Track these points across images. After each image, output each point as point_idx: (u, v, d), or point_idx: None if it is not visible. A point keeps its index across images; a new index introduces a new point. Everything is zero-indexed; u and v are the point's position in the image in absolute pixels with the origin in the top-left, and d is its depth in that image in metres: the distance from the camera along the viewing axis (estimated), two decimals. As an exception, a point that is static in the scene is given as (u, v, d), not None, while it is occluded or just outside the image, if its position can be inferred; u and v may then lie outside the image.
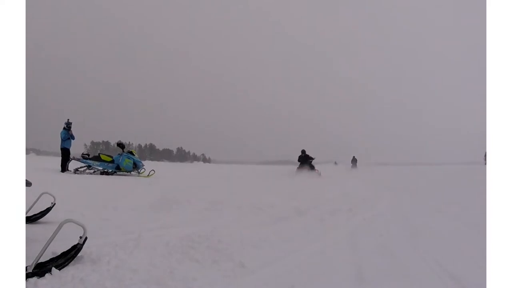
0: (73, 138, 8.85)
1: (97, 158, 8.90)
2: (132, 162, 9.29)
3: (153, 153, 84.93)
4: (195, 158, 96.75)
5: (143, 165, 9.69)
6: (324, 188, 6.79)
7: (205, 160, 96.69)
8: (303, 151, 12.36)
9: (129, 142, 78.67)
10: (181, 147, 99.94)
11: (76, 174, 8.34)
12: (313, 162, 12.32)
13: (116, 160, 9.11)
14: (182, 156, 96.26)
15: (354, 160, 18.92)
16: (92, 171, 8.83)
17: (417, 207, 4.16)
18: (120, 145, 9.38)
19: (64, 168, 8.56)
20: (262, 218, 3.25)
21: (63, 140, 8.69)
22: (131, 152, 9.50)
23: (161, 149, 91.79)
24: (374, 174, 13.10)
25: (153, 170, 9.65)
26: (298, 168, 12.25)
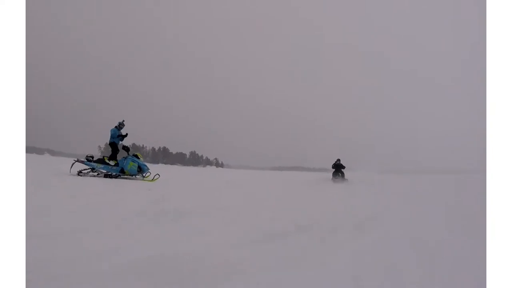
0: (121, 139, 9.49)
1: (101, 161, 8.78)
2: (137, 165, 9.13)
3: (166, 156, 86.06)
4: (208, 162, 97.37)
5: (148, 169, 9.51)
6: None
7: (218, 164, 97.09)
8: (338, 160, 13.74)
9: (143, 145, 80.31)
10: (194, 151, 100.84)
11: (80, 176, 8.23)
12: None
13: (120, 163, 8.97)
14: (195, 160, 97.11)
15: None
16: (96, 173, 8.72)
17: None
18: (125, 148, 9.27)
19: (113, 157, 9.21)
20: (256, 235, 2.86)
21: (113, 137, 9.26)
22: (136, 155, 9.35)
23: (174, 152, 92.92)
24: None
25: (157, 174, 9.44)
26: (333, 174, 13.59)
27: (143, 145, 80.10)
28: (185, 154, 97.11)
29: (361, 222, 3.50)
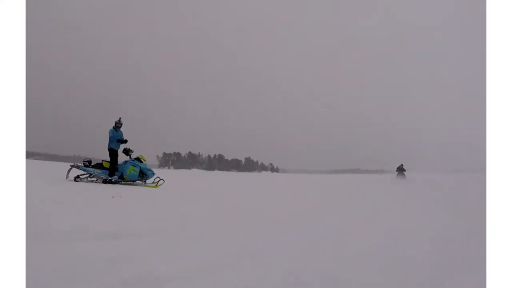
0: (122, 141, 8.07)
1: (99, 166, 7.97)
2: (138, 170, 8.08)
3: (221, 163, 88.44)
4: (263, 168, 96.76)
5: (153, 174, 8.41)
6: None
7: (273, 169, 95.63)
8: (402, 165, 17.39)
9: (199, 153, 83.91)
10: (249, 157, 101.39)
11: (76, 182, 7.53)
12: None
13: (120, 168, 8.05)
14: (250, 166, 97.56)
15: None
16: (95, 179, 7.94)
17: None
18: (125, 150, 8.29)
19: (113, 173, 7.90)
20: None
21: (111, 140, 7.99)
22: (138, 159, 8.32)
23: (229, 159, 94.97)
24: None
25: (162, 179, 8.27)
26: (397, 174, 17.41)
27: (199, 153, 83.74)
28: (241, 160, 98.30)
29: None
